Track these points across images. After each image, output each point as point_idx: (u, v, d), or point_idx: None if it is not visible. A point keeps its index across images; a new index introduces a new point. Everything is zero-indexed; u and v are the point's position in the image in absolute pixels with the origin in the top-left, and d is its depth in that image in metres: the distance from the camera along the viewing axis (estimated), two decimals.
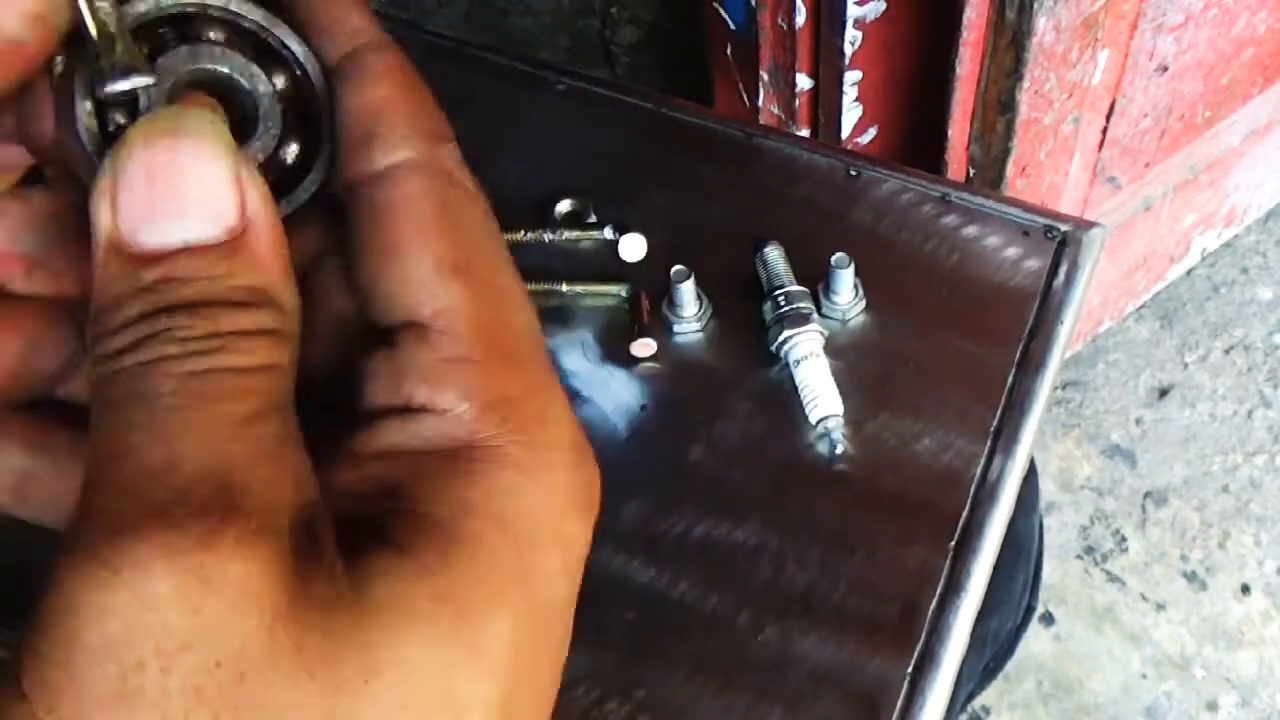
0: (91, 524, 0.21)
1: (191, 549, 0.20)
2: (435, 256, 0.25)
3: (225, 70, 0.26)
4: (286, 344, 0.24)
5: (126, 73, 0.24)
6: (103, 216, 0.23)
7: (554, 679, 0.25)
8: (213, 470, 0.21)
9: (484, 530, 0.23)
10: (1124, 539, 1.38)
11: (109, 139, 0.24)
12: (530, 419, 0.25)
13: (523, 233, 0.63)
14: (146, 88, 0.25)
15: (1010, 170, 0.98)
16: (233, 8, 0.26)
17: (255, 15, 0.26)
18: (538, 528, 0.24)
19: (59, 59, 0.25)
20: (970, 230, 0.63)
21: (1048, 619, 1.34)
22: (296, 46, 0.27)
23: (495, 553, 0.23)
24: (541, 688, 0.24)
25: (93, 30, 0.24)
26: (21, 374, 0.26)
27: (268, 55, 0.26)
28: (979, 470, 0.57)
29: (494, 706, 0.23)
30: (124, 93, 0.24)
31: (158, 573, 0.20)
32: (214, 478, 0.21)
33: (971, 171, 1.01)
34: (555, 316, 0.63)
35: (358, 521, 0.23)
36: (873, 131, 1.04)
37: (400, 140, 0.26)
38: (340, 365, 0.26)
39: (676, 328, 0.62)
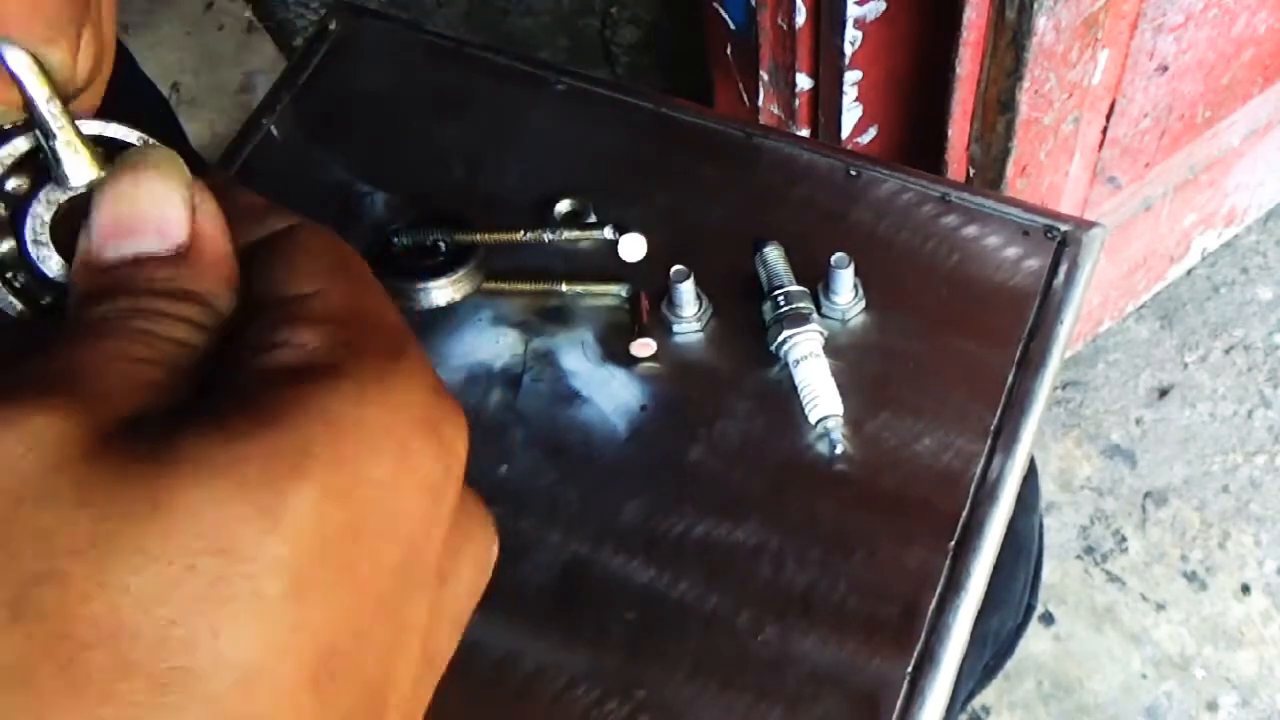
0: None
1: (13, 408, 0.23)
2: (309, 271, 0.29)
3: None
4: (205, 334, 0.28)
5: (68, 178, 0.30)
6: (80, 243, 0.28)
7: (384, 594, 0.26)
8: (71, 366, 0.25)
9: (301, 416, 0.25)
10: (1124, 539, 1.38)
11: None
12: (382, 353, 0.27)
13: (523, 233, 0.63)
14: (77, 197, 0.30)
15: (1010, 170, 0.98)
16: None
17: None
18: (365, 431, 0.26)
19: None
20: (970, 230, 0.63)
21: (1048, 619, 1.34)
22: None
23: (310, 437, 0.25)
24: (359, 586, 0.25)
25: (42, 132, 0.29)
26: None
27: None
28: (979, 470, 0.57)
29: (283, 570, 0.24)
30: (72, 198, 0.29)
31: None
32: (69, 370, 0.25)
33: (971, 171, 1.01)
34: (555, 316, 0.63)
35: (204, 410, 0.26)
36: (873, 131, 1.04)
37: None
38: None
39: (676, 328, 0.62)
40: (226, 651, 0.23)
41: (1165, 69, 1.05)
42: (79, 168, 0.30)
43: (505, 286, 0.63)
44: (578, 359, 0.62)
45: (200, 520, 0.23)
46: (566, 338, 0.63)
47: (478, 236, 0.62)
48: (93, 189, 0.29)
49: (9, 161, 0.30)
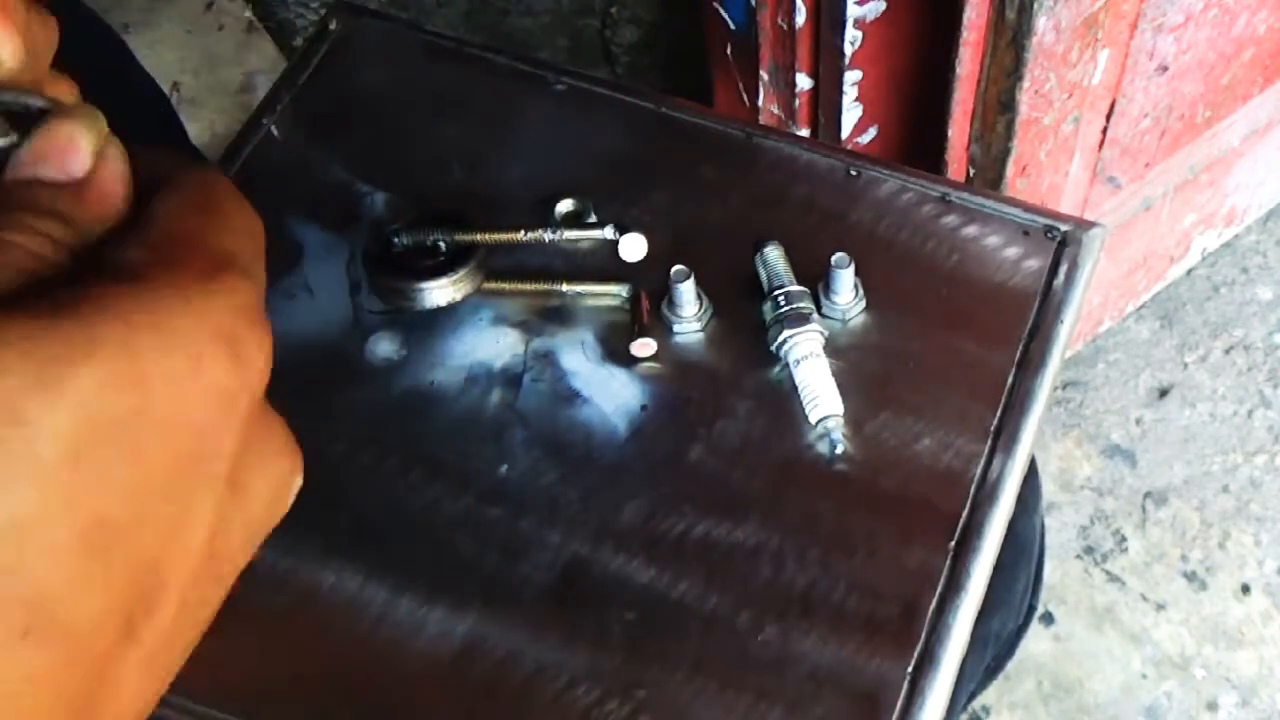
0: None
1: None
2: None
3: None
4: (64, 255, 0.30)
5: None
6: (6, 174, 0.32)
7: (166, 481, 0.29)
8: None
9: (98, 313, 0.28)
10: (1124, 539, 1.38)
11: None
12: (194, 270, 0.31)
13: (523, 233, 0.63)
14: None
15: (1010, 170, 0.98)
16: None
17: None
18: (157, 332, 0.29)
19: None
20: (970, 230, 0.64)
21: (1048, 619, 1.34)
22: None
23: (103, 329, 0.28)
24: (138, 467, 0.28)
25: None
26: None
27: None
28: (979, 470, 0.57)
29: (61, 439, 0.27)
30: None
31: None
32: None
33: (971, 171, 1.01)
34: (555, 316, 0.63)
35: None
36: (873, 131, 1.04)
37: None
38: None
39: (676, 328, 0.62)
40: (12, 507, 0.26)
41: (1165, 69, 1.05)
42: None
43: (505, 286, 0.63)
44: (578, 359, 0.62)
45: None
46: (566, 338, 0.63)
47: (478, 236, 0.62)
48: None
49: None
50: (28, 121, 0.34)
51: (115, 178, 0.33)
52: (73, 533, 0.27)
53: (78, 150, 0.33)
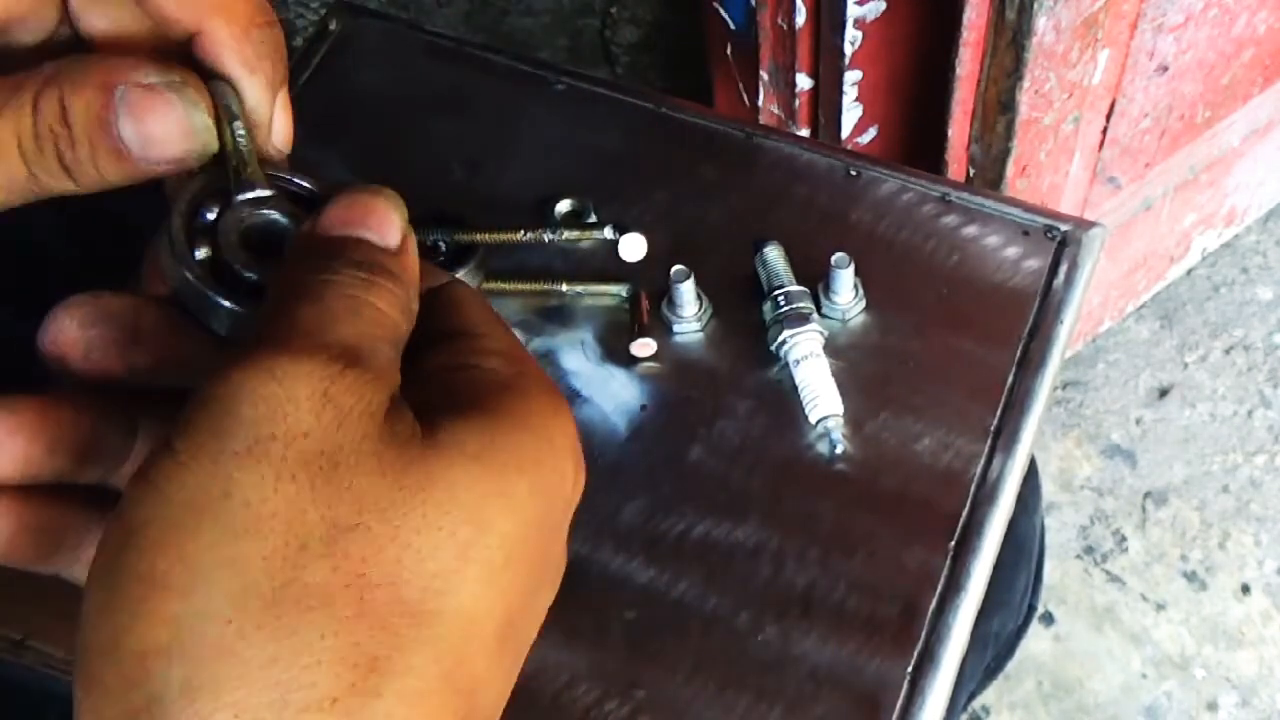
0: (263, 347, 0.30)
1: (326, 377, 0.29)
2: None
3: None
4: (408, 323, 0.34)
5: (252, 185, 0.35)
6: (303, 229, 0.34)
7: (552, 563, 0.33)
8: (350, 341, 0.31)
9: (517, 426, 0.32)
10: (1124, 539, 1.38)
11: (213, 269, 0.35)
12: (548, 384, 0.34)
13: (523, 233, 0.63)
14: (265, 197, 0.35)
15: (1010, 170, 0.98)
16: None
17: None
18: (554, 444, 0.32)
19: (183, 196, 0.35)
20: (970, 230, 0.63)
21: (1048, 619, 1.34)
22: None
23: (523, 442, 0.31)
24: (533, 567, 0.32)
25: (232, 151, 0.35)
26: (89, 456, 0.34)
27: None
28: (979, 470, 0.57)
29: (511, 539, 0.30)
30: (257, 198, 0.35)
31: (302, 384, 0.29)
32: (350, 345, 0.31)
33: (971, 171, 1.01)
34: (555, 316, 0.63)
35: (430, 406, 0.32)
36: (873, 131, 1.04)
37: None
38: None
39: (676, 328, 0.62)
40: (464, 603, 0.29)
41: (1165, 69, 1.05)
42: (259, 194, 0.35)
43: (505, 286, 0.63)
44: (578, 359, 0.62)
45: (461, 494, 0.30)
46: (566, 338, 0.63)
47: (478, 236, 0.62)
48: (269, 213, 0.35)
49: (205, 192, 0.35)
50: (300, 204, 0.36)
51: (415, 259, 0.35)
52: (498, 627, 0.31)
53: (393, 220, 0.35)
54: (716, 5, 1.06)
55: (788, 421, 0.59)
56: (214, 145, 0.35)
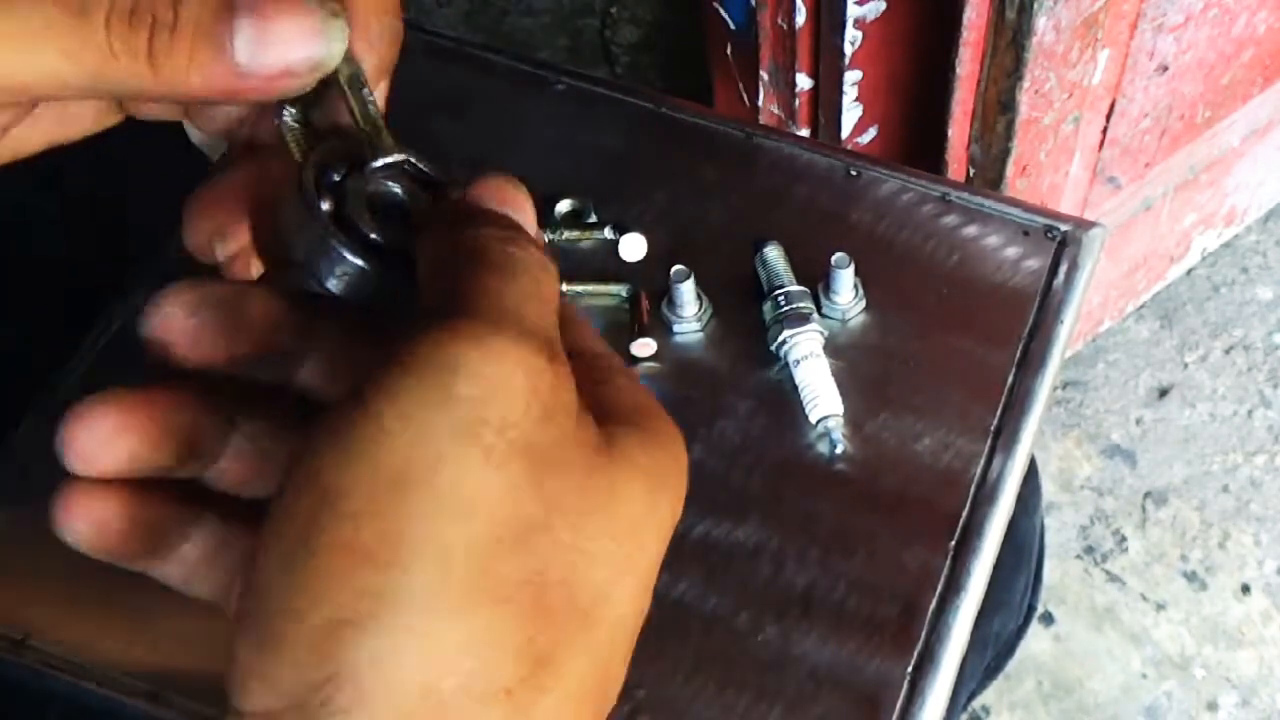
0: (467, 316, 0.29)
1: (536, 369, 0.29)
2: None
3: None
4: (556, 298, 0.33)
5: (388, 153, 0.35)
6: (448, 195, 0.35)
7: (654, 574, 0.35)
8: (549, 331, 0.31)
9: (663, 447, 0.33)
10: (1124, 539, 1.38)
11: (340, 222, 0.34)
12: (666, 413, 0.35)
13: None
14: (400, 162, 0.36)
15: (1010, 170, 0.98)
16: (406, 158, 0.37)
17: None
18: (681, 469, 0.33)
19: (290, 120, 0.35)
20: (970, 230, 0.63)
21: (1047, 619, 1.34)
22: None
23: (669, 464, 0.33)
24: (651, 582, 0.33)
25: (363, 118, 0.35)
26: (191, 451, 0.34)
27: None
28: (979, 470, 0.57)
29: (656, 557, 0.32)
30: (389, 165, 0.35)
31: (518, 371, 0.29)
32: (550, 336, 0.31)
33: (971, 171, 1.01)
34: None
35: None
36: (873, 131, 1.04)
37: None
38: None
39: (676, 328, 0.62)
40: (620, 612, 0.31)
41: (1165, 69, 1.05)
42: (394, 159, 0.36)
43: None
44: None
45: (631, 508, 0.31)
46: None
47: None
48: (394, 186, 0.36)
49: (334, 155, 0.35)
50: (420, 186, 0.36)
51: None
52: (631, 637, 0.32)
53: (527, 206, 0.35)
54: (716, 5, 1.06)
55: (788, 421, 0.59)
56: (332, 65, 0.33)
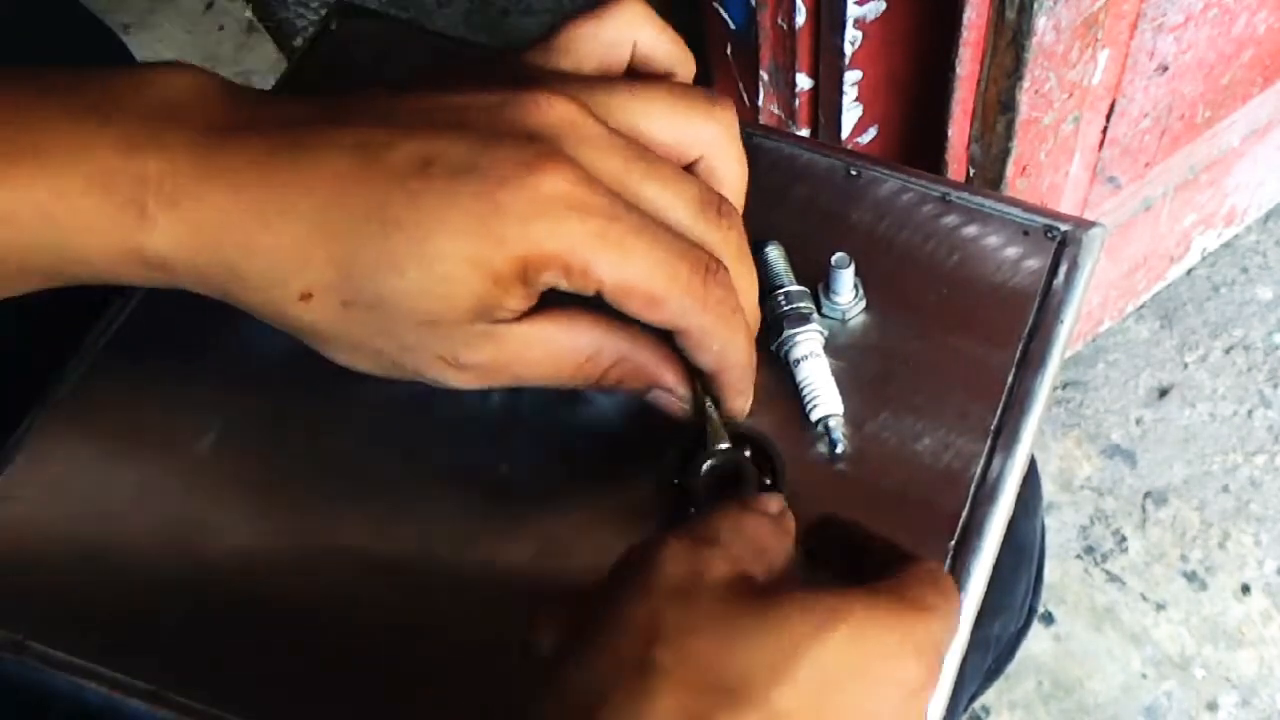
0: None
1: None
2: None
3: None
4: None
5: (718, 442, 0.53)
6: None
7: None
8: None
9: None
10: (1124, 539, 1.38)
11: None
12: None
13: None
14: (724, 451, 0.53)
15: (1010, 170, 0.98)
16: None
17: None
18: (951, 616, 0.46)
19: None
20: (970, 230, 0.64)
21: (1048, 619, 1.34)
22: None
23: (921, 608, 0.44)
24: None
25: (709, 419, 0.52)
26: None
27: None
28: (979, 470, 0.57)
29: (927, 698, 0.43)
30: (720, 450, 0.53)
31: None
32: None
33: (971, 171, 1.01)
34: None
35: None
36: (873, 131, 1.04)
37: None
38: None
39: None
40: None
41: (1165, 69, 1.05)
42: (723, 447, 0.53)
43: None
44: None
45: (843, 659, 0.39)
46: None
47: None
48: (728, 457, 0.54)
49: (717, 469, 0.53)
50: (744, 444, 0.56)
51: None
52: None
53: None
54: (716, 5, 1.06)
55: (788, 421, 0.59)
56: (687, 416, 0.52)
